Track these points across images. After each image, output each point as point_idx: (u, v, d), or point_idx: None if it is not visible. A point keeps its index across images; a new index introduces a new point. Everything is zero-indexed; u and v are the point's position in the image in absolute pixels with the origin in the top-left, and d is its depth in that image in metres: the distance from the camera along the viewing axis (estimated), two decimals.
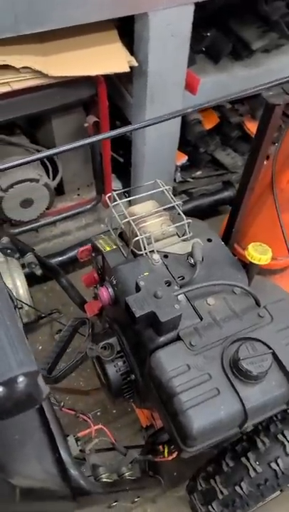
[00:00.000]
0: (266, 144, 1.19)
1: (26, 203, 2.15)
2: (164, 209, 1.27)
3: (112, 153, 2.29)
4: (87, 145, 1.10)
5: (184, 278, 1.16)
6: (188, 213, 2.05)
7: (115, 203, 1.22)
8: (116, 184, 2.59)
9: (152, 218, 1.23)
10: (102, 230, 2.49)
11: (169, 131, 2.17)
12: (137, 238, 1.16)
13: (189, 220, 1.22)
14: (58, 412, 1.02)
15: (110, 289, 1.17)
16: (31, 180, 2.08)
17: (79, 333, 1.43)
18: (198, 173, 2.69)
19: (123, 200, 1.22)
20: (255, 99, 2.55)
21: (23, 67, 1.62)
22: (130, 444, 1.84)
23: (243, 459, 1.31)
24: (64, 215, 2.37)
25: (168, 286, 1.11)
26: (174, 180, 2.56)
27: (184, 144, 2.41)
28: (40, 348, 2.07)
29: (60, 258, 2.21)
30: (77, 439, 0.94)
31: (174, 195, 2.64)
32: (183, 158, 2.49)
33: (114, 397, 1.24)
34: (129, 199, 1.24)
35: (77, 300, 1.47)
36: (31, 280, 2.08)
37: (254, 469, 1.29)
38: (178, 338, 1.05)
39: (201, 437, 0.95)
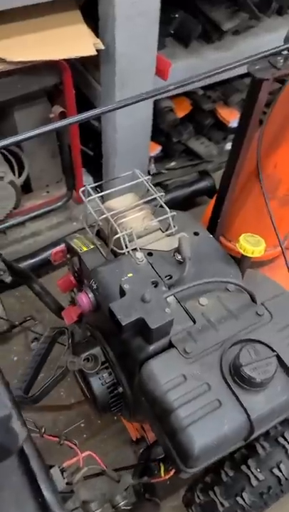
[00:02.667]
0: (253, 125, 1.09)
1: None
2: (145, 202, 1.16)
3: (81, 147, 2.16)
4: (52, 131, 0.98)
5: (171, 277, 1.04)
6: None
7: (90, 197, 1.10)
8: (86, 179, 2.46)
9: (132, 213, 1.12)
10: (75, 229, 2.35)
11: (141, 118, 2.05)
12: (117, 236, 1.04)
13: (174, 213, 1.10)
14: (39, 439, 0.89)
15: (90, 294, 1.05)
16: None
17: (58, 343, 1.30)
18: (173, 164, 2.58)
19: (99, 195, 1.10)
20: (227, 85, 2.46)
21: None
22: (119, 455, 1.74)
23: (243, 467, 1.21)
24: (33, 214, 2.22)
25: (155, 287, 0.99)
26: (148, 172, 2.45)
27: (156, 134, 2.30)
28: (16, 358, 1.92)
29: (31, 261, 2.06)
30: (62, 470, 0.82)
31: None
32: (156, 149, 2.38)
33: (100, 412, 1.12)
34: (105, 192, 1.12)
35: (53, 307, 1.34)
36: (1, 286, 1.93)
37: (255, 477, 1.19)
38: (170, 345, 0.93)
39: (203, 456, 0.85)
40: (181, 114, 2.39)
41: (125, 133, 2.05)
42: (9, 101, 1.80)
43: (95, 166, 2.37)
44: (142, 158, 2.28)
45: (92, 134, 2.23)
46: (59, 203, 2.24)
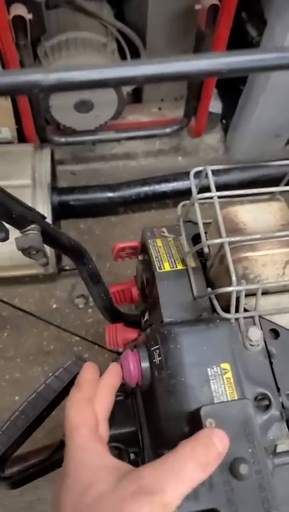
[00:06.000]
0: None
1: (83, 107, 1.52)
2: None
3: None
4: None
5: None
6: None
7: (202, 195, 0.58)
8: (215, 104, 1.87)
9: (269, 245, 0.60)
10: (179, 166, 1.84)
11: None
12: (227, 290, 0.54)
13: None
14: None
15: (145, 364, 0.59)
16: None
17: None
18: None
19: (220, 193, 0.58)
20: None
21: None
22: None
23: None
24: (133, 133, 1.72)
25: (266, 408, 0.52)
26: None
27: None
28: (55, 306, 1.58)
29: (110, 194, 1.61)
30: None
31: None
32: None
33: None
34: (227, 194, 0.60)
35: (100, 303, 0.92)
36: (64, 211, 1.55)
37: None
38: None
39: None
40: None
41: None
42: None
43: (233, 91, 1.76)
44: None
45: (243, 43, 1.60)
46: (168, 129, 1.71)
